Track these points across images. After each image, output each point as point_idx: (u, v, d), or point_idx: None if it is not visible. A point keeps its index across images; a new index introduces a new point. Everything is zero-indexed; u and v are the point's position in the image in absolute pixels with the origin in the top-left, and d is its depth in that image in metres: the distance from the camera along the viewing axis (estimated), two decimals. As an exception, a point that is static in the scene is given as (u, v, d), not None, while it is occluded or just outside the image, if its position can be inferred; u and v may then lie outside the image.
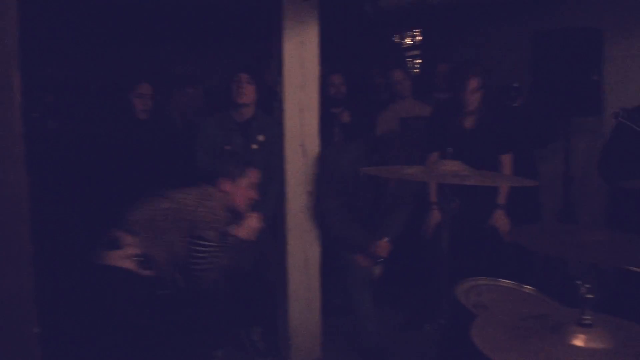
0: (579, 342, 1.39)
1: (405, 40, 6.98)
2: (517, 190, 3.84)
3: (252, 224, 2.91)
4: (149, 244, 2.50)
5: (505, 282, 2.49)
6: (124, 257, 2.45)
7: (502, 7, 5.07)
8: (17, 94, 0.76)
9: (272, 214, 3.58)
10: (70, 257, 3.12)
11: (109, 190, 3.18)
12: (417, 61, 6.79)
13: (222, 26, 5.37)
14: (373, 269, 3.56)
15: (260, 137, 3.45)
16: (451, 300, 2.29)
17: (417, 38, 6.84)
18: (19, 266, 0.77)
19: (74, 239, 3.21)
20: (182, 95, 3.87)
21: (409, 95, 4.60)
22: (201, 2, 4.93)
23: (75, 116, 3.70)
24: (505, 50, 5.12)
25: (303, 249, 3.60)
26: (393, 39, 6.93)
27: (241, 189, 2.95)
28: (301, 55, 3.53)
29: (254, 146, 3.43)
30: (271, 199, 3.52)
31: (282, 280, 3.61)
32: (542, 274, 4.16)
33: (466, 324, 2.07)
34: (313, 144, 3.58)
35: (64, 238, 3.19)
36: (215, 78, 4.88)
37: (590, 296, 1.43)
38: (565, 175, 4.33)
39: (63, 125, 3.61)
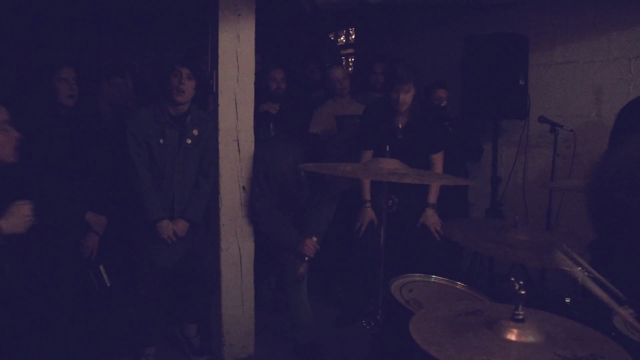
0: (512, 336, 1.43)
1: (340, 38, 7.04)
2: (446, 189, 3.95)
3: (22, 212, 2.40)
4: None
5: (437, 278, 2.54)
6: None
7: (436, 11, 5.18)
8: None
9: (204, 210, 3.51)
10: None
11: (39, 177, 3.02)
12: (351, 59, 6.87)
13: (158, 16, 5.22)
14: (299, 267, 3.53)
15: (195, 132, 3.36)
16: (386, 297, 2.31)
17: (351, 37, 6.90)
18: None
19: None
20: (111, 85, 3.71)
21: (346, 93, 4.63)
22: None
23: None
24: (438, 52, 5.24)
25: (236, 244, 3.56)
26: (329, 36, 6.97)
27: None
28: (237, 48, 3.48)
29: (188, 141, 3.34)
30: (204, 195, 3.45)
31: (215, 276, 3.55)
32: (469, 271, 4.28)
33: (402, 319, 2.11)
34: (248, 139, 3.54)
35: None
36: (148, 69, 4.75)
37: (523, 292, 1.48)
38: (493, 176, 4.48)
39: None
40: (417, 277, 2.52)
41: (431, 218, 3.71)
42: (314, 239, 3.54)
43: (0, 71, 4.01)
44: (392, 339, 2.26)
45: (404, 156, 2.43)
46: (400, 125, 3.63)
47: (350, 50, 6.90)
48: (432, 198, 3.74)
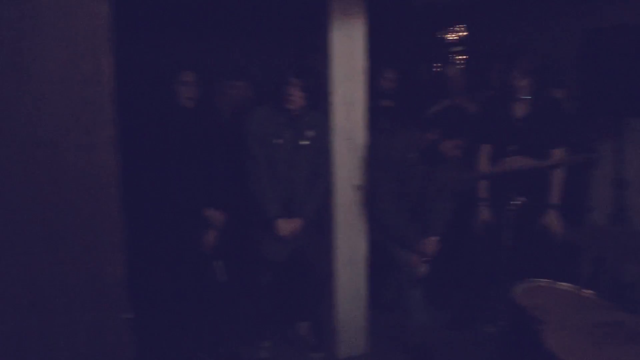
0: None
1: (450, 35, 6.87)
2: (567, 191, 3.74)
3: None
4: None
5: (563, 284, 2.41)
6: None
7: (551, 3, 4.94)
8: (108, 79, 0.74)
9: (318, 209, 3.55)
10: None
11: (160, 175, 3.20)
12: (462, 57, 6.68)
13: (269, 17, 5.35)
14: (419, 268, 3.50)
15: (310, 133, 3.42)
16: (510, 301, 2.22)
17: (461, 34, 6.72)
18: (109, 251, 0.75)
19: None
20: (230, 86, 3.85)
21: (461, 92, 4.52)
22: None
23: (125, 104, 3.72)
24: (552, 47, 4.99)
25: (350, 243, 3.57)
26: (438, 34, 6.83)
27: None
28: (348, 48, 3.49)
29: (303, 142, 3.40)
30: (318, 194, 3.50)
31: (329, 274, 3.59)
32: (591, 278, 4.03)
33: (527, 325, 2.02)
34: (360, 138, 3.54)
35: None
36: (261, 70, 4.87)
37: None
38: (616, 178, 4.19)
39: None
40: (543, 282, 2.41)
41: (553, 220, 3.53)
42: (435, 238, 3.50)
43: (127, 73, 4.26)
44: (516, 345, 2.17)
45: (524, 148, 2.32)
46: (518, 117, 3.51)
47: (462, 48, 6.72)
48: (555, 199, 3.56)
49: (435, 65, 5.08)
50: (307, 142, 3.40)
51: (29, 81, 0.73)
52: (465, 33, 6.51)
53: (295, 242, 3.47)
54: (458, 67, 4.97)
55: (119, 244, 0.79)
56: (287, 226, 3.40)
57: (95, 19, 0.75)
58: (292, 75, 3.40)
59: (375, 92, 4.17)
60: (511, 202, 2.21)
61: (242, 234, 3.61)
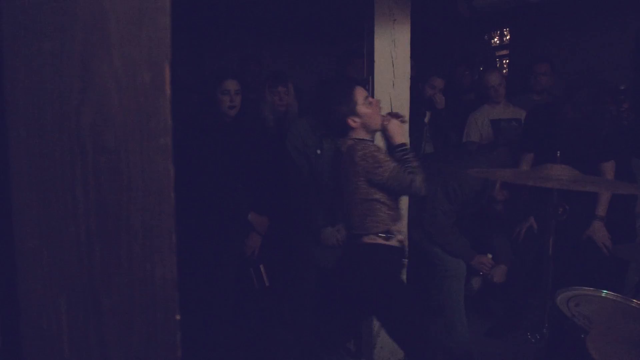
0: None
1: (494, 39, 6.81)
2: (613, 199, 3.65)
3: (392, 124, 2.74)
4: (374, 227, 2.62)
5: (609, 294, 2.37)
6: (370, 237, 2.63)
7: (601, 6, 4.84)
8: (167, 86, 0.78)
9: None
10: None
11: (206, 181, 3.27)
12: (506, 61, 6.62)
13: (313, 24, 5.41)
14: (473, 282, 3.49)
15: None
16: (552, 309, 2.20)
17: (506, 37, 6.65)
18: (165, 254, 0.79)
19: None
20: (274, 93, 3.91)
21: (502, 99, 4.46)
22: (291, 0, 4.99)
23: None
24: (605, 51, 4.88)
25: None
26: (483, 38, 6.77)
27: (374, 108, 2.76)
28: (392, 53, 3.50)
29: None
30: None
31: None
32: (638, 288, 3.93)
33: (569, 334, 2.00)
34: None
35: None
36: (305, 77, 4.93)
37: None
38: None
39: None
40: (587, 290, 2.37)
41: (599, 232, 3.47)
42: (489, 255, 3.49)
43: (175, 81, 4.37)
44: (559, 354, 2.14)
45: (571, 162, 2.30)
46: (567, 132, 3.45)
47: (505, 52, 6.65)
48: (601, 210, 3.49)
49: (477, 70, 5.03)
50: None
51: (93, 90, 0.77)
52: (508, 37, 6.44)
53: (341, 248, 3.51)
54: (501, 74, 4.90)
55: (172, 247, 0.83)
56: (334, 236, 3.44)
57: (158, 30, 0.79)
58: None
59: (420, 98, 4.17)
60: (554, 210, 2.18)
61: (287, 240, 3.66)
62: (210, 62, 5.37)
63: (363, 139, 2.67)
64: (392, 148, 2.73)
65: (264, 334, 3.73)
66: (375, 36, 3.46)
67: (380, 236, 2.61)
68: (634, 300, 2.32)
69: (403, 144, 2.72)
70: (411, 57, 3.56)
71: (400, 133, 2.76)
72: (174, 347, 0.84)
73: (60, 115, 0.76)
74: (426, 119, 4.41)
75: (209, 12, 5.14)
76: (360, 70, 3.79)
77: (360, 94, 2.73)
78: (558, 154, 2.12)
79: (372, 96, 3.48)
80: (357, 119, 2.66)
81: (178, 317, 0.83)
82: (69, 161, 0.78)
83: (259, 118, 3.81)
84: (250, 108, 3.71)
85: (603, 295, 2.39)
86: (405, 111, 3.54)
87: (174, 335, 0.83)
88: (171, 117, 0.83)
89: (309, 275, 3.53)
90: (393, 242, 2.64)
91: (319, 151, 3.41)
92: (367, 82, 3.55)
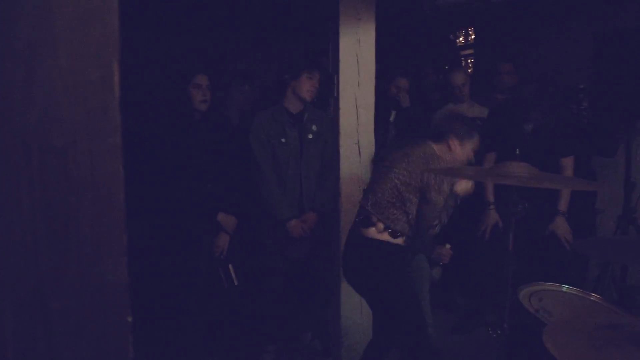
0: (661, 354, 1.33)
1: (459, 38, 6.88)
2: (574, 195, 3.74)
3: (468, 186, 2.91)
4: (391, 216, 2.75)
5: (570, 288, 2.42)
6: (379, 232, 2.77)
7: (563, 6, 4.93)
8: (117, 86, 0.77)
9: (329, 204, 3.59)
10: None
11: (175, 180, 3.24)
12: (471, 60, 6.69)
13: (279, 22, 5.40)
14: (434, 272, 3.52)
15: (314, 127, 3.49)
16: (514, 305, 2.24)
17: (470, 37, 6.73)
18: (114, 255, 0.77)
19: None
20: (239, 92, 3.89)
21: (467, 98, 4.51)
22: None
23: (137, 108, 3.77)
24: (566, 51, 4.98)
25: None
26: (448, 37, 6.84)
27: (466, 150, 2.92)
28: (357, 52, 3.52)
29: (309, 136, 3.48)
30: (329, 186, 3.56)
31: (334, 278, 3.60)
32: (598, 282, 4.02)
33: (531, 329, 2.03)
34: (368, 142, 3.57)
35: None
36: (270, 75, 4.92)
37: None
38: (626, 180, 4.18)
39: (125, 117, 3.68)
40: (548, 286, 2.42)
41: (561, 227, 3.54)
42: (448, 246, 3.52)
43: (140, 78, 4.31)
44: (521, 349, 2.18)
45: (531, 160, 2.34)
46: (529, 130, 3.50)
47: (470, 51, 6.73)
48: (563, 206, 3.57)
49: (442, 69, 5.08)
50: (311, 137, 3.47)
51: (39, 88, 0.76)
52: (473, 36, 6.52)
53: (311, 238, 3.52)
54: (466, 73, 4.95)
55: (123, 249, 0.81)
56: (298, 226, 3.44)
57: (106, 29, 0.78)
58: (313, 67, 3.48)
59: (385, 98, 4.19)
60: (514, 206, 2.22)
61: (254, 238, 3.65)
62: (178, 61, 5.33)
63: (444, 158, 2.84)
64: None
65: (228, 334, 3.71)
66: (341, 35, 3.47)
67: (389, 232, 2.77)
68: (593, 295, 2.38)
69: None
70: (376, 56, 3.59)
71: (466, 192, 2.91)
72: (126, 349, 0.83)
73: (2, 113, 0.74)
74: (391, 118, 4.43)
75: (177, 11, 5.09)
76: (325, 69, 3.80)
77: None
78: (517, 152, 2.15)
79: (338, 95, 3.49)
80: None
81: (130, 318, 0.82)
82: (12, 160, 0.76)
83: (225, 116, 3.79)
84: (216, 106, 3.69)
85: (564, 290, 2.44)
86: (370, 110, 3.57)
87: (125, 337, 0.82)
88: (120, 116, 0.82)
89: (278, 268, 3.53)
90: (399, 241, 2.80)
91: (283, 139, 3.43)
92: (332, 81, 3.56)
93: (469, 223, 3.82)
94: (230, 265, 3.39)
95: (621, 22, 4.28)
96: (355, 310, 3.61)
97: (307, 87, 3.44)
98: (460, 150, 2.88)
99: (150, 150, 3.30)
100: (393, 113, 4.46)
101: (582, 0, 4.70)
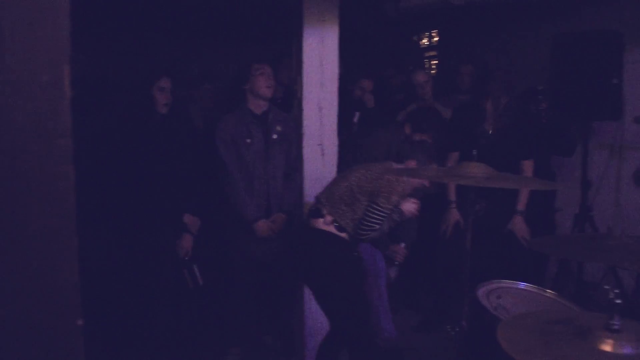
0: (607, 347, 1.38)
1: (423, 40, 6.97)
2: (532, 193, 3.83)
3: (413, 208, 3.09)
4: (339, 212, 2.93)
5: (526, 285, 2.48)
6: (326, 223, 2.93)
7: (522, 9, 5.04)
8: (66, 87, 0.77)
9: (295, 203, 3.60)
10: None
11: (139, 181, 3.21)
12: (434, 62, 6.78)
13: (242, 23, 5.39)
14: (389, 272, 3.55)
15: (278, 128, 3.50)
16: (473, 302, 2.28)
17: (434, 39, 6.82)
18: (65, 258, 0.77)
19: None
20: (201, 92, 3.88)
21: (430, 97, 4.57)
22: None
23: (101, 110, 3.72)
24: (526, 53, 5.09)
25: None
26: (412, 39, 6.92)
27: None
28: (321, 54, 3.52)
29: (274, 136, 3.48)
30: (295, 186, 3.56)
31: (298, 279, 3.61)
32: (556, 279, 4.13)
33: (488, 326, 2.08)
34: (332, 144, 3.58)
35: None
36: (230, 74, 4.90)
37: (619, 301, 1.43)
38: (583, 179, 4.30)
39: (88, 119, 3.62)
40: (505, 283, 2.48)
41: (519, 226, 3.63)
42: (403, 245, 3.56)
43: (104, 80, 4.27)
44: (478, 346, 2.23)
45: (491, 161, 2.38)
46: (490, 129, 3.57)
47: (434, 53, 6.82)
48: (521, 205, 3.66)
49: (406, 70, 5.14)
50: (276, 137, 3.48)
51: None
52: (437, 38, 6.61)
53: (278, 240, 3.52)
54: (428, 73, 5.02)
55: (74, 251, 0.81)
56: (266, 227, 3.44)
57: (57, 31, 0.78)
58: (263, 62, 3.49)
59: (348, 99, 4.22)
60: (471, 206, 2.27)
61: (219, 239, 3.64)
62: (143, 62, 5.27)
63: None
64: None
65: (197, 333, 3.69)
66: (304, 36, 3.47)
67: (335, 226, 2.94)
68: (548, 291, 2.44)
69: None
70: (340, 58, 3.61)
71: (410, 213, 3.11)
72: (78, 351, 0.83)
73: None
74: (355, 119, 4.46)
75: (142, 11, 5.04)
76: (290, 70, 3.81)
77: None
78: (474, 152, 2.20)
79: (301, 96, 3.51)
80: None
81: (81, 322, 0.81)
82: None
83: (189, 117, 3.78)
84: (180, 106, 3.68)
85: (521, 287, 2.50)
86: (333, 111, 3.58)
87: (77, 340, 0.82)
88: (71, 117, 0.82)
89: (244, 270, 3.52)
90: (344, 235, 2.96)
91: (248, 140, 3.42)
92: (296, 83, 3.57)
93: (432, 222, 3.87)
94: (194, 266, 3.37)
95: (578, 25, 4.39)
96: (319, 311, 3.63)
97: (262, 83, 3.43)
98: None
99: (114, 152, 3.28)
100: (357, 114, 4.49)
101: (540, 3, 4.81)
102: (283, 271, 3.63)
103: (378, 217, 2.88)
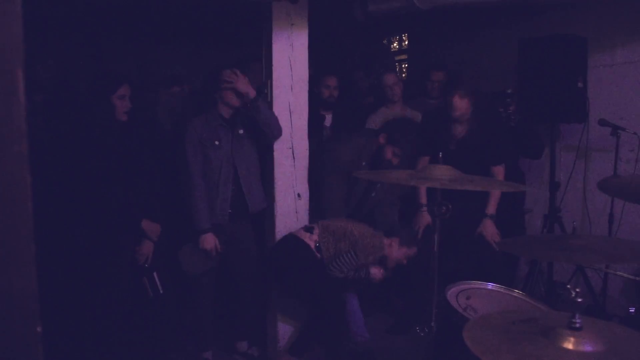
0: (569, 345, 1.40)
1: (394, 44, 7.02)
2: (502, 195, 3.88)
3: (379, 275, 3.49)
4: (325, 240, 3.36)
5: (495, 286, 2.51)
6: (310, 239, 3.37)
7: (489, 14, 5.11)
8: (20, 92, 0.76)
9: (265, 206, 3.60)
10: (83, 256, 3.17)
11: (97, 188, 3.15)
12: (405, 65, 6.84)
13: (211, 27, 5.37)
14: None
15: (245, 127, 3.49)
16: (442, 303, 2.31)
17: (404, 43, 6.88)
18: (22, 265, 0.76)
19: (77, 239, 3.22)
20: (168, 94, 3.84)
21: (399, 99, 4.61)
22: (189, 3, 4.92)
23: (61, 116, 3.65)
24: (493, 56, 5.16)
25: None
26: (382, 43, 6.96)
27: (400, 253, 3.51)
28: (290, 57, 3.54)
29: (240, 131, 3.45)
30: (263, 189, 3.56)
31: (271, 284, 3.60)
32: (527, 279, 4.19)
33: (457, 326, 2.10)
34: (302, 147, 3.59)
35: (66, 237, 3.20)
36: (200, 78, 4.87)
37: (580, 300, 1.46)
38: (551, 181, 4.37)
39: (50, 123, 3.56)
40: (474, 284, 2.51)
41: (489, 229, 3.68)
42: None
43: (62, 85, 4.20)
44: (447, 347, 2.25)
45: (461, 165, 2.40)
46: (457, 135, 3.61)
47: (404, 57, 6.88)
48: (491, 209, 3.71)
49: (374, 73, 5.17)
50: (242, 132, 3.45)
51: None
52: (407, 42, 6.67)
53: (217, 257, 3.49)
54: (397, 75, 5.07)
55: (31, 258, 0.80)
56: (213, 242, 3.41)
57: (8, 36, 0.76)
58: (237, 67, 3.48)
59: (314, 100, 4.23)
60: (438, 208, 2.29)
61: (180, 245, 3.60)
62: (107, 65, 5.20)
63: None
64: None
65: (162, 341, 3.64)
66: (274, 40, 3.48)
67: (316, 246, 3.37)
68: (516, 291, 2.48)
69: None
70: (310, 61, 3.62)
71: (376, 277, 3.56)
72: (36, 358, 0.81)
73: None
74: (326, 122, 4.47)
75: (106, 14, 4.99)
76: (259, 74, 3.80)
77: None
78: (440, 155, 2.23)
79: (271, 99, 3.51)
80: None
81: (39, 329, 0.80)
82: None
83: (153, 121, 3.73)
84: (146, 112, 3.63)
85: (489, 287, 2.53)
86: (303, 114, 3.59)
87: (35, 348, 0.81)
88: (26, 123, 0.81)
89: (205, 277, 3.50)
90: (319, 255, 3.36)
91: (217, 142, 3.39)
92: (266, 86, 3.57)
93: (405, 225, 3.90)
94: (155, 274, 3.31)
95: (544, 29, 4.47)
96: (291, 314, 3.63)
97: (231, 96, 3.40)
98: (397, 250, 3.48)
99: (72, 158, 3.21)
100: (328, 117, 4.51)
101: (506, 8, 4.88)
102: (251, 275, 3.60)
103: (349, 264, 3.29)
